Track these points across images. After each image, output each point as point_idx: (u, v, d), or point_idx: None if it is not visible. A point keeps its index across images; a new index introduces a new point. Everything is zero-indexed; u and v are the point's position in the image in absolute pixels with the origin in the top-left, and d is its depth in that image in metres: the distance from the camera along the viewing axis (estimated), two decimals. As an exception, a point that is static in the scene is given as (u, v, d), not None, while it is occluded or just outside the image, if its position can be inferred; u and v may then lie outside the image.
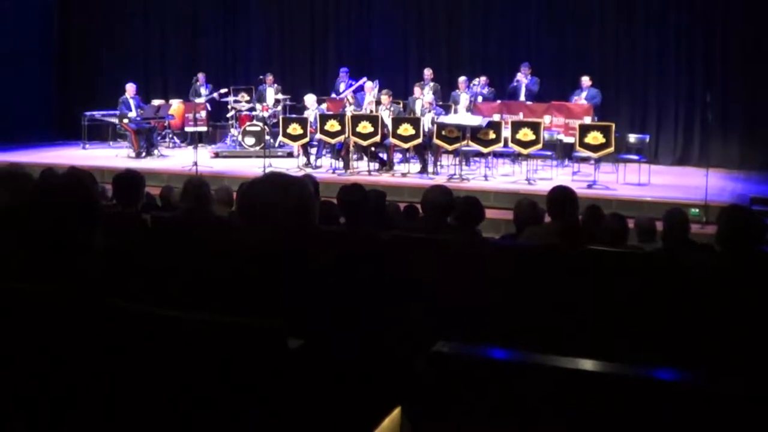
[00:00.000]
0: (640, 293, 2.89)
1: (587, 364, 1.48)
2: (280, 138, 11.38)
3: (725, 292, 2.85)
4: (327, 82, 13.46)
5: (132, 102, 12.46)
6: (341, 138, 10.58)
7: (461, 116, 10.73)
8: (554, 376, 1.47)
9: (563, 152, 11.27)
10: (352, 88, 12.44)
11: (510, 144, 10.03)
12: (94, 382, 1.69)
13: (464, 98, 11.48)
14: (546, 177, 10.29)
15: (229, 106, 13.10)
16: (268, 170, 5.41)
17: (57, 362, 1.72)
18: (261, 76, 12.97)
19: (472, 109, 11.52)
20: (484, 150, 10.22)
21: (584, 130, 9.74)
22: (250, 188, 1.91)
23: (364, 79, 12.15)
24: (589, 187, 9.44)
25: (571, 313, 2.75)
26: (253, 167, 10.70)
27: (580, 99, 11.42)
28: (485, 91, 12.17)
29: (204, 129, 13.74)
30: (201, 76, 13.61)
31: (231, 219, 4.44)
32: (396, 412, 1.74)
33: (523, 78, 12.06)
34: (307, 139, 10.86)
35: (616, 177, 10.05)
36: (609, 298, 2.88)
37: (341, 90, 12.67)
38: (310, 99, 11.44)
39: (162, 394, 1.66)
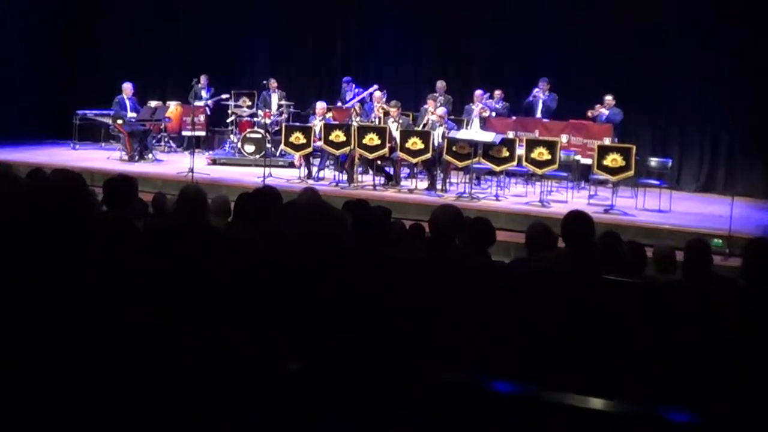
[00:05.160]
0: (657, 328, 2.88)
1: (597, 403, 1.47)
2: (282, 147, 11.42)
3: (749, 329, 2.84)
4: (334, 89, 13.52)
5: (128, 102, 12.52)
6: (346, 149, 10.62)
7: (473, 132, 10.76)
8: (562, 414, 1.46)
9: (580, 174, 11.29)
10: (360, 96, 12.49)
11: (524, 163, 10.05)
12: (83, 390, 1.73)
13: (477, 112, 11.55)
14: (561, 199, 10.29)
15: (230, 111, 13.16)
16: (305, 189, 5.41)
17: (47, 367, 1.76)
18: (264, 81, 13.04)
19: (485, 124, 11.58)
20: (497, 168, 10.24)
21: (603, 151, 9.76)
22: (287, 212, 1.97)
23: (375, 87, 12.21)
24: (606, 212, 9.44)
25: (583, 345, 2.74)
26: (252, 176, 10.73)
27: (596, 111, 11.45)
28: (500, 105, 12.21)
29: (202, 134, 13.81)
30: (203, 78, 13.68)
31: (228, 231, 4.44)
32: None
33: (540, 93, 12.11)
34: (310, 149, 10.90)
35: (635, 202, 10.05)
36: (624, 332, 2.87)
37: (348, 99, 12.73)
38: (320, 107, 11.49)
39: (150, 405, 1.69)
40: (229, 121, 13.23)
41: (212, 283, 2.54)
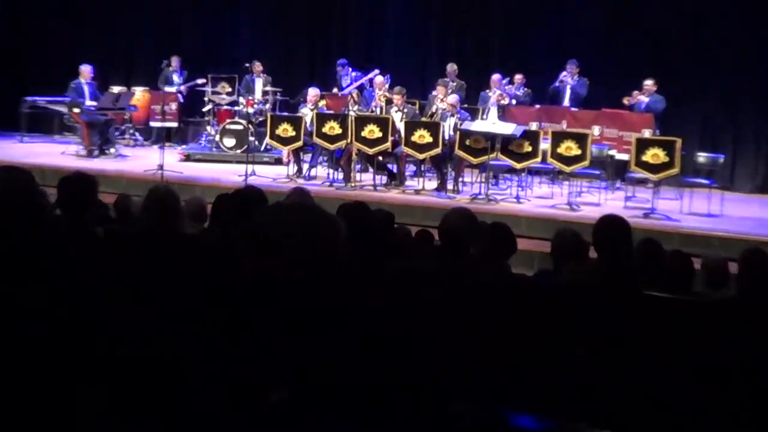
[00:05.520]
0: (707, 352, 2.87)
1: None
2: (267, 140, 11.42)
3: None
4: (328, 74, 13.53)
5: (86, 88, 12.53)
6: (342, 144, 10.62)
7: (490, 123, 10.76)
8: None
9: (615, 172, 11.28)
10: (359, 82, 12.51)
11: (549, 159, 10.04)
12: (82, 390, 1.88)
13: (494, 99, 11.54)
14: (592, 202, 10.29)
15: (206, 99, 13.17)
16: (294, 189, 5.48)
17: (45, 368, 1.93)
18: (247, 64, 13.05)
19: (504, 114, 11.57)
20: (518, 165, 10.23)
21: (642, 145, 9.74)
22: (272, 215, 2.03)
23: (376, 71, 12.21)
24: (646, 216, 9.43)
25: (618, 374, 2.73)
26: (232, 174, 10.73)
27: (634, 98, 11.44)
28: (521, 92, 12.21)
29: (174, 125, 13.83)
30: (175, 60, 13.69)
31: (204, 237, 4.44)
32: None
33: (568, 78, 12.11)
34: (300, 143, 10.91)
35: (680, 205, 10.03)
36: (668, 357, 2.86)
37: (344, 85, 12.73)
38: (312, 94, 11.50)
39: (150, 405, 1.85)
40: (205, 110, 13.25)
41: (185, 297, 2.55)
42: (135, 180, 10.23)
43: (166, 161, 10.56)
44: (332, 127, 10.60)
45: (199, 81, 13.47)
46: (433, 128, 10.31)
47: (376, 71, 12.22)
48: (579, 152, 9.85)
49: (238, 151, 12.13)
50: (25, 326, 1.96)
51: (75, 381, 1.89)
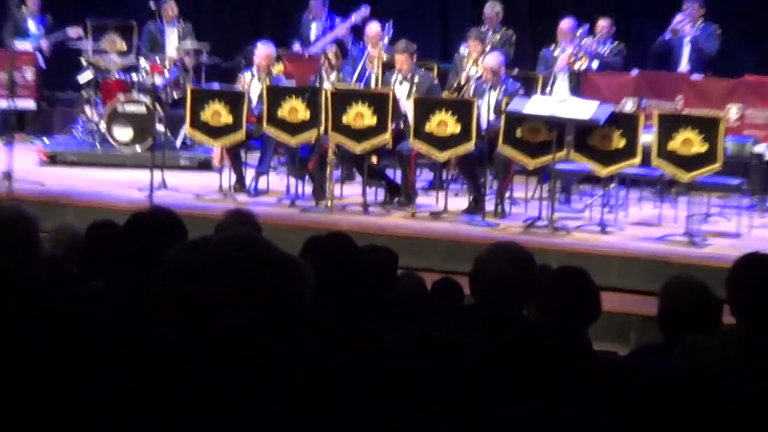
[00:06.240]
0: None
1: None
2: (187, 129, 11.44)
3: None
4: (288, 19, 13.61)
5: None
6: (311, 135, 10.63)
7: (557, 100, 10.78)
8: None
9: (764, 182, 11.27)
10: (335, 32, 12.56)
11: (655, 161, 10.05)
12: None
13: (564, 61, 11.59)
14: (728, 231, 10.31)
15: (84, 61, 13.19)
16: (231, 213, 5.58)
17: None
18: (151, 3, 13.06)
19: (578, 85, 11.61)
20: (603, 171, 10.23)
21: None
22: (193, 259, 2.12)
23: (364, 12, 12.26)
24: (816, 254, 9.44)
25: None
26: (127, 187, 10.75)
27: None
28: (607, 48, 12.24)
29: (30, 105, 13.82)
30: (32, -1, 13.76)
31: (79, 287, 4.43)
32: None
33: (686, 25, 12.14)
34: (241, 135, 10.91)
35: None
36: None
37: (313, 38, 12.78)
38: (263, 52, 11.50)
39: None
40: (82, 80, 13.25)
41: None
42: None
43: (16, 165, 10.56)
44: (295, 108, 10.61)
45: (72, 32, 13.51)
46: (462, 110, 10.33)
47: (364, 12, 12.26)
48: (704, 149, 9.85)
49: (138, 148, 12.14)
50: None
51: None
